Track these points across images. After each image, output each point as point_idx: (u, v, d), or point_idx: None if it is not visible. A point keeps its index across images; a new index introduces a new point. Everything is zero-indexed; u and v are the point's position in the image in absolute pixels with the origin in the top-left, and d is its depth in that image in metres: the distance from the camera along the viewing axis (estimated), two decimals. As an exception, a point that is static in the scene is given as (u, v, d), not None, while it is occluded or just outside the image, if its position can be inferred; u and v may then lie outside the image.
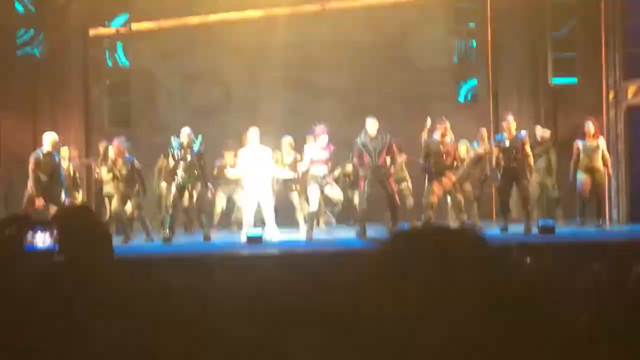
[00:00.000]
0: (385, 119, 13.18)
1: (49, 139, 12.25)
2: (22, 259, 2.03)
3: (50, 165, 12.22)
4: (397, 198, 12.80)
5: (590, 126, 13.09)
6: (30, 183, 12.22)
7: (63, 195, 12.35)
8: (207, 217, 13.46)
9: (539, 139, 13.93)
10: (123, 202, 12.94)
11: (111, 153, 13.10)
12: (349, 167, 14.34)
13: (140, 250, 11.52)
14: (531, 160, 12.89)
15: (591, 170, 13.11)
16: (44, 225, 2.05)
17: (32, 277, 2.01)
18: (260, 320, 4.31)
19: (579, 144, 13.19)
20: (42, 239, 2.02)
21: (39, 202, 12.17)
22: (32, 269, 2.03)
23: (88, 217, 1.91)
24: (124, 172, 12.85)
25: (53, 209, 12.29)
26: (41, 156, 12.19)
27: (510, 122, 12.89)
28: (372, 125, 12.57)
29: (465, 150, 13.82)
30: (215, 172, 13.82)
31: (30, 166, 12.16)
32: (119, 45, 14.84)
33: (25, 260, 2.01)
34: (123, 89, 15.02)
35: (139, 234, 13.07)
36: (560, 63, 14.56)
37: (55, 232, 2.01)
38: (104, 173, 13.14)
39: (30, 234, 2.03)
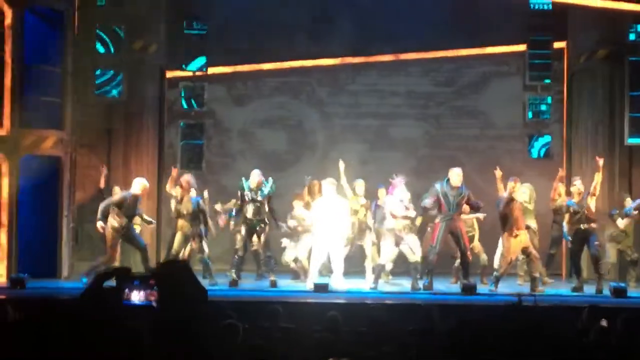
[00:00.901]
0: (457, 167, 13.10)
1: (140, 183, 12.93)
2: (120, 312, 2.04)
3: (133, 206, 12.75)
4: (469, 253, 12.71)
5: None
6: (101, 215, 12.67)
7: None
8: (275, 262, 13.46)
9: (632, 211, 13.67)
10: (184, 241, 13.03)
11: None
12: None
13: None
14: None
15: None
16: (143, 281, 2.05)
17: (131, 330, 2.01)
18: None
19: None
20: (139, 296, 2.03)
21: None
22: (131, 322, 2.04)
23: (187, 276, 1.89)
24: (190, 210, 12.97)
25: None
26: (128, 197, 12.66)
27: (578, 186, 12.82)
28: (456, 175, 12.53)
29: (528, 193, 13.72)
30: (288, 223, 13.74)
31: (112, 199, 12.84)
32: (194, 88, 15.03)
33: (123, 313, 2.02)
34: (197, 132, 15.19)
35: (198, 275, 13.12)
36: (637, 122, 14.32)
37: (153, 289, 2.01)
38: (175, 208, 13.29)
39: (128, 289, 2.03)
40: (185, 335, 1.88)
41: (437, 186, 12.65)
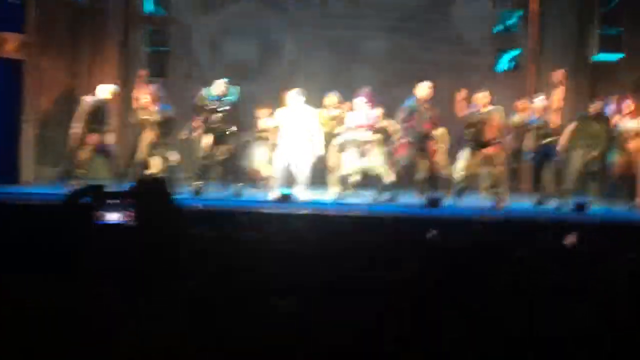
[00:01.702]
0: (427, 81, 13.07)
1: (107, 89, 12.77)
2: (94, 231, 2.00)
3: (102, 112, 12.59)
4: (437, 168, 12.78)
5: (627, 105, 12.86)
6: (78, 124, 12.48)
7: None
8: (240, 171, 13.42)
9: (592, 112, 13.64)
10: (151, 150, 12.92)
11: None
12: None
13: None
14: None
15: (626, 150, 12.91)
16: (119, 198, 2.00)
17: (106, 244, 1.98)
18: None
19: (616, 122, 12.97)
20: (114, 216, 1.98)
21: (92, 138, 12.52)
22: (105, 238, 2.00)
23: (165, 191, 1.85)
24: (157, 119, 12.84)
25: (110, 138, 12.66)
26: (99, 104, 12.60)
27: (538, 102, 12.82)
28: (425, 89, 12.51)
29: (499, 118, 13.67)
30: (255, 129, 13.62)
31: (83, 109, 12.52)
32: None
33: (98, 231, 1.98)
34: (162, 39, 14.94)
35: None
36: (605, 38, 14.29)
37: (129, 207, 1.96)
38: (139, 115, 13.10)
39: (103, 209, 1.99)
40: (165, 254, 1.86)
41: (407, 103, 12.66)
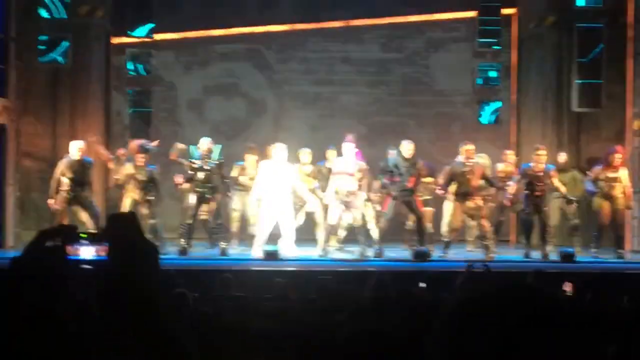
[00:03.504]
0: (404, 138, 13.11)
1: (76, 146, 12.61)
2: (66, 271, 1.92)
3: (80, 170, 12.50)
4: (425, 221, 12.75)
5: (617, 157, 12.89)
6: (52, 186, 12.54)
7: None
8: (225, 230, 13.35)
9: (562, 166, 13.75)
10: (133, 207, 12.86)
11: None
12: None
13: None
14: (562, 190, 12.85)
15: (610, 199, 12.95)
16: (91, 238, 1.93)
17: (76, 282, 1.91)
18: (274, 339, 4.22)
19: (600, 171, 13.00)
20: (86, 252, 1.91)
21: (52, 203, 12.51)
22: (77, 281, 1.93)
23: (137, 228, 1.80)
24: (143, 177, 12.81)
25: (83, 215, 12.51)
26: (70, 161, 12.49)
27: (540, 154, 12.76)
28: (408, 147, 12.53)
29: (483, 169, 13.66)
30: (233, 173, 13.55)
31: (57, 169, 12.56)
32: (141, 55, 14.76)
33: (69, 272, 1.90)
34: (145, 100, 14.94)
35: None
36: (585, 89, 14.39)
37: (103, 246, 1.90)
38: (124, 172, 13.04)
39: (75, 246, 1.91)
40: (138, 296, 1.79)
41: (390, 160, 12.71)
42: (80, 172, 12.58)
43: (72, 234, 1.86)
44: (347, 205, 12.57)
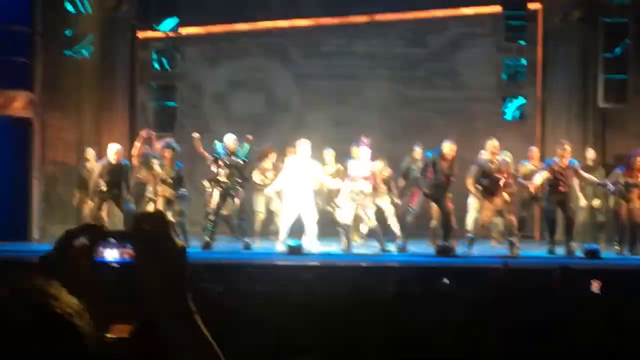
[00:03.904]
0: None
1: (113, 149, 12.79)
2: (92, 272, 1.91)
3: (117, 173, 12.69)
4: (453, 218, 12.70)
5: (635, 161, 12.75)
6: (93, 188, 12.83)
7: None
8: (248, 225, 13.39)
9: (590, 162, 13.66)
10: (166, 206, 12.94)
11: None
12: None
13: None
14: (591, 178, 12.89)
15: (629, 201, 12.83)
16: (118, 238, 1.92)
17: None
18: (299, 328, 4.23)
19: (620, 174, 12.87)
20: (112, 254, 1.90)
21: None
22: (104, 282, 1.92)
23: (166, 229, 1.79)
24: (171, 175, 12.86)
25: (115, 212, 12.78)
26: (108, 164, 12.73)
27: (566, 149, 12.69)
28: (450, 148, 12.49)
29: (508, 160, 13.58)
30: (254, 177, 13.58)
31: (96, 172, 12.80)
32: (166, 49, 14.80)
33: (95, 273, 1.89)
34: (169, 94, 14.99)
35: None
36: (611, 84, 14.30)
37: (129, 248, 1.89)
38: (150, 172, 13.11)
39: (101, 246, 1.90)
40: (166, 295, 1.80)
41: (430, 155, 12.69)
42: (117, 175, 12.72)
43: (98, 234, 1.86)
44: (361, 205, 12.61)
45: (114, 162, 12.74)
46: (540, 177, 12.79)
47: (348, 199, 12.62)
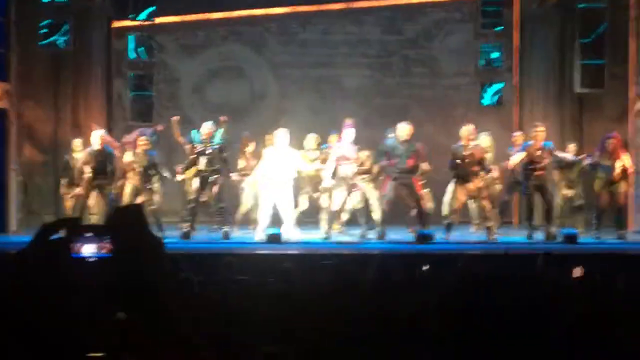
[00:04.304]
0: (406, 120, 13.06)
1: (97, 135, 12.81)
2: (70, 267, 1.90)
3: (101, 160, 12.70)
4: (424, 202, 12.73)
5: (609, 144, 12.83)
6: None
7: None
8: (228, 213, 13.36)
9: (570, 158, 13.65)
10: (134, 195, 12.91)
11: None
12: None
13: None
14: (567, 157, 13.15)
15: (609, 183, 12.89)
16: (95, 232, 1.91)
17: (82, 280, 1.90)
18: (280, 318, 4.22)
19: (597, 156, 12.93)
20: (89, 249, 1.90)
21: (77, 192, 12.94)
22: (82, 277, 1.91)
23: (142, 222, 1.77)
24: (143, 164, 12.82)
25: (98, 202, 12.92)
26: (92, 151, 12.74)
27: (538, 132, 12.75)
28: (404, 130, 12.49)
29: (488, 142, 13.59)
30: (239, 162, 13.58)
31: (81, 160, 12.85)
32: (142, 38, 14.69)
33: (74, 268, 1.88)
34: (146, 83, 14.90)
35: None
36: (587, 70, 14.34)
37: (106, 241, 1.88)
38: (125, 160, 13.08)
39: (78, 241, 1.89)
40: (144, 289, 1.78)
41: (387, 142, 12.67)
42: (102, 162, 12.69)
43: (75, 228, 1.84)
44: (351, 189, 12.60)
45: (98, 147, 12.72)
46: (517, 157, 12.85)
47: (338, 185, 12.57)
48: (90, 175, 12.65)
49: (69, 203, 13.43)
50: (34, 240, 1.83)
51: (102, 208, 12.89)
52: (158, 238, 1.78)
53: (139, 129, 13.51)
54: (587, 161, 13.01)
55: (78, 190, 12.95)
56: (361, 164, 12.81)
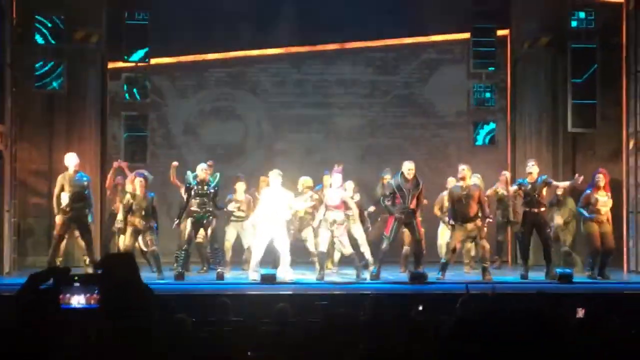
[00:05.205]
0: (399, 160, 13.12)
1: (72, 159, 12.83)
2: (59, 317, 1.88)
3: (78, 185, 12.69)
4: (423, 244, 12.72)
5: (600, 179, 12.88)
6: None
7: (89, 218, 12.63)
8: (221, 255, 13.36)
9: (560, 197, 13.67)
10: (135, 237, 12.88)
11: (129, 187, 13.13)
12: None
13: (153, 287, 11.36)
14: (562, 185, 13.28)
15: (600, 222, 12.90)
16: (84, 281, 1.90)
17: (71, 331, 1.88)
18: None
19: (591, 195, 12.95)
20: (78, 300, 1.89)
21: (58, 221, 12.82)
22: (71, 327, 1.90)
23: (133, 271, 1.77)
24: (143, 206, 12.78)
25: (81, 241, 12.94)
26: (68, 175, 12.69)
27: (531, 167, 12.81)
28: (409, 168, 12.52)
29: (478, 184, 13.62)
30: (227, 207, 13.62)
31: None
32: (137, 79, 14.76)
33: (62, 318, 1.86)
34: (140, 124, 14.94)
35: (146, 269, 12.86)
36: (580, 109, 14.42)
37: (94, 293, 1.87)
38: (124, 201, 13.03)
39: (67, 292, 1.88)
40: (134, 337, 1.77)
41: (392, 181, 12.69)
42: (79, 187, 12.66)
43: (64, 277, 1.83)
44: (335, 234, 12.64)
45: (72, 172, 12.73)
46: (515, 187, 12.96)
47: (322, 227, 12.65)
48: (68, 203, 12.61)
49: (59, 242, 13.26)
50: (21, 290, 1.83)
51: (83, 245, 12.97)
52: (147, 287, 1.78)
53: (135, 170, 13.50)
54: (585, 215, 12.94)
55: (59, 217, 12.80)
56: (347, 208, 12.84)
